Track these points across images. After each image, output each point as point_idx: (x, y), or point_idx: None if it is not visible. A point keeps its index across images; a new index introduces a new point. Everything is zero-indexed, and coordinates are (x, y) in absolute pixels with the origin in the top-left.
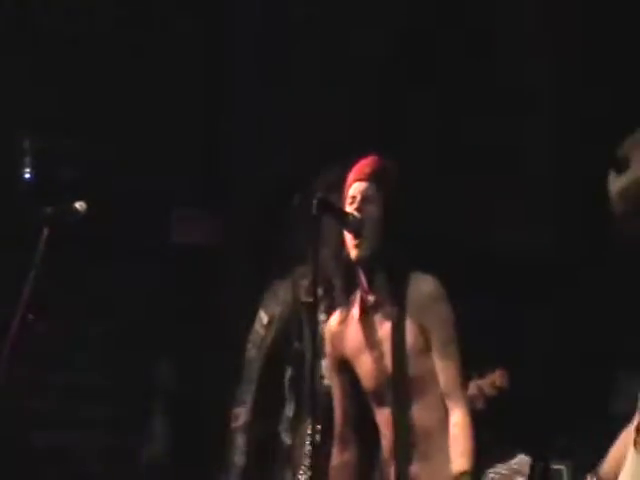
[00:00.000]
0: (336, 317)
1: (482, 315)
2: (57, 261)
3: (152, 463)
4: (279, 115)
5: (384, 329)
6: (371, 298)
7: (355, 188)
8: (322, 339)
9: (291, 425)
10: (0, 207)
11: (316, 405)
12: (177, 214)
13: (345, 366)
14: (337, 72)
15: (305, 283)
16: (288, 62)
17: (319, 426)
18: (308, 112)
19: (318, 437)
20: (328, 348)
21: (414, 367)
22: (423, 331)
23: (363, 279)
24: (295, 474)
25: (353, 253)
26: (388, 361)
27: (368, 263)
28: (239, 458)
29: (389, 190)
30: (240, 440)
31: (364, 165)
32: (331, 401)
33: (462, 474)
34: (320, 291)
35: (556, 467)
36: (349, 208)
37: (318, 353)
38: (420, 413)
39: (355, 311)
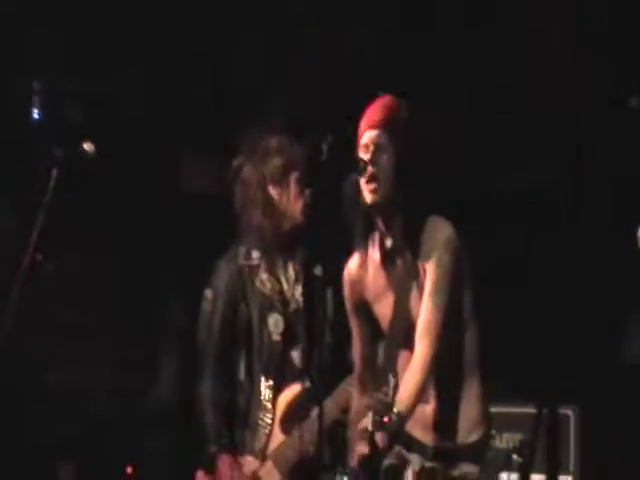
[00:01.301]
0: (355, 261)
1: (487, 260)
2: (65, 201)
3: (158, 408)
4: (282, 62)
5: (403, 272)
6: (389, 242)
7: (367, 136)
8: (267, 298)
9: (243, 387)
10: (9, 147)
11: (268, 361)
12: (184, 160)
13: (364, 310)
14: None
15: (244, 249)
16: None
17: (271, 381)
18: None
19: (271, 391)
20: (347, 292)
21: (417, 312)
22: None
23: (380, 224)
24: (254, 434)
25: (368, 198)
26: (408, 304)
27: (384, 208)
28: (211, 431)
29: (401, 136)
30: (208, 415)
31: (375, 111)
32: (280, 357)
33: (395, 414)
34: (257, 253)
35: (564, 412)
36: (362, 155)
37: (265, 311)
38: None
39: (375, 255)
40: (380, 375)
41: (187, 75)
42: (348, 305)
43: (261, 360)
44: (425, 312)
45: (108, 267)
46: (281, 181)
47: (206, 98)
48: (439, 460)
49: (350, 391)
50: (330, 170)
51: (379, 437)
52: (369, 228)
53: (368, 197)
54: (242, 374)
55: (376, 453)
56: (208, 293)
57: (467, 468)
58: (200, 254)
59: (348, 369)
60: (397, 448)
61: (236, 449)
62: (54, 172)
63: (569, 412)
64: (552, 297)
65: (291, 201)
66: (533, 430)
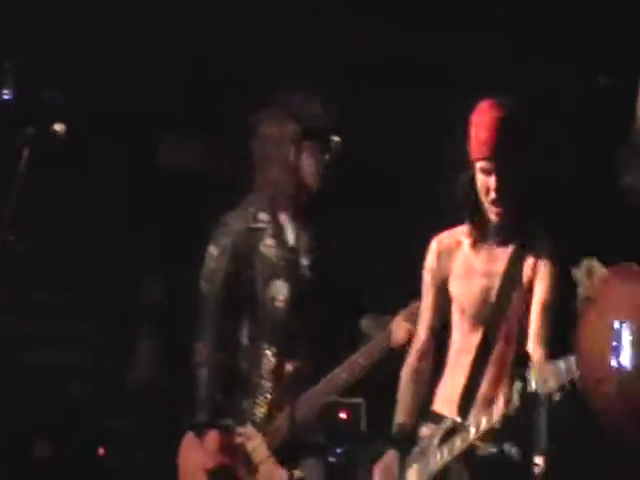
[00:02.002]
0: (451, 235)
1: None
2: (38, 181)
3: (136, 389)
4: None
5: (498, 262)
6: (490, 228)
7: (484, 147)
8: (272, 263)
9: (246, 351)
10: None
11: (271, 328)
12: (162, 136)
13: (443, 283)
14: None
15: (252, 209)
16: None
17: (274, 349)
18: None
19: (274, 359)
20: (432, 261)
21: (510, 310)
22: (531, 282)
23: (490, 214)
24: (252, 400)
25: (491, 211)
26: (494, 293)
27: (506, 201)
28: (202, 391)
29: (514, 151)
30: (202, 373)
31: (490, 117)
32: (285, 322)
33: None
34: (266, 216)
35: None
36: (480, 171)
37: (268, 277)
38: (507, 351)
39: (470, 236)
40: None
41: (167, 51)
42: (429, 274)
43: (264, 326)
44: (543, 322)
45: (86, 246)
46: (298, 145)
47: (186, 73)
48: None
49: (343, 377)
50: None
51: None
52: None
53: (491, 210)
54: (245, 339)
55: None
56: (213, 249)
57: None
58: (180, 232)
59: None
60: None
61: (227, 427)
62: (25, 151)
63: None
64: None
65: (306, 166)
66: None
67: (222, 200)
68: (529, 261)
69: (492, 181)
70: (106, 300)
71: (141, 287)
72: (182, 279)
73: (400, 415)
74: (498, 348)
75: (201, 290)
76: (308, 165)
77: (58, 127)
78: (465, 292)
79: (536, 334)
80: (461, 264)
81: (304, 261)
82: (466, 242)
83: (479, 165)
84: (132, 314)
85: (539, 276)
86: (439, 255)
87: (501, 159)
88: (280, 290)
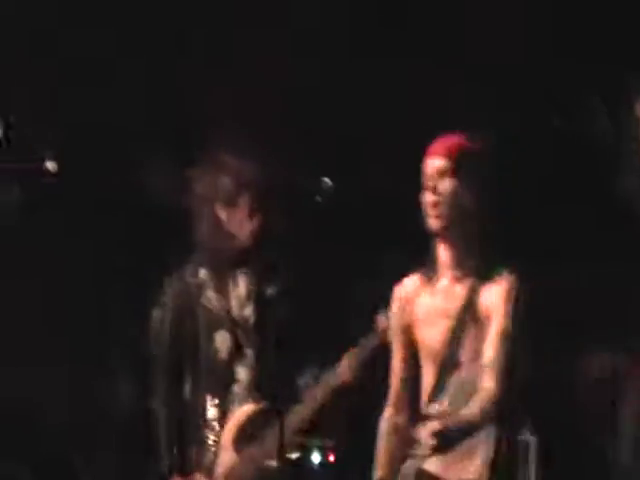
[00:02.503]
0: (411, 282)
1: None
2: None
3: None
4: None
5: (459, 301)
6: (454, 270)
7: (429, 165)
8: (214, 315)
9: (189, 405)
10: None
11: (214, 380)
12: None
13: (409, 330)
14: None
15: (192, 266)
16: None
17: (217, 400)
18: None
19: (217, 410)
20: (396, 312)
21: (469, 340)
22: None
23: (443, 250)
24: (201, 451)
25: (432, 223)
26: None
27: (449, 235)
28: (165, 449)
29: (464, 162)
30: (162, 432)
31: (438, 143)
32: (226, 375)
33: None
34: (205, 271)
35: (523, 438)
36: (426, 189)
37: (212, 329)
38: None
39: (431, 280)
40: (428, 396)
41: (148, 81)
42: (395, 322)
43: (207, 378)
44: (495, 350)
45: (63, 280)
46: (231, 202)
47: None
48: None
49: (305, 412)
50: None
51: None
52: (432, 253)
53: (432, 223)
54: (187, 392)
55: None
56: (156, 312)
57: None
58: (158, 267)
59: (295, 390)
60: None
61: (188, 469)
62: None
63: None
64: None
65: (240, 223)
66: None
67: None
68: (485, 294)
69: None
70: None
71: (114, 318)
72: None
73: (379, 470)
74: None
75: (150, 355)
76: (241, 222)
77: (50, 165)
78: (427, 337)
79: (486, 364)
80: (423, 308)
81: (246, 310)
82: (429, 283)
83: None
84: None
85: (495, 306)
86: (403, 304)
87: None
88: (223, 341)
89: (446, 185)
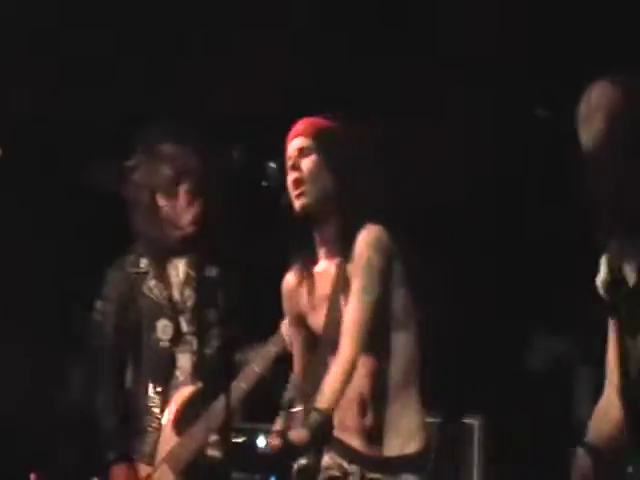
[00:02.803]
0: (292, 274)
1: None
2: None
3: (68, 413)
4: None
5: (331, 281)
6: (322, 253)
7: (290, 147)
8: (155, 304)
9: (130, 393)
10: None
11: (156, 368)
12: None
13: (302, 322)
14: None
15: (133, 257)
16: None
17: (159, 388)
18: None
19: (159, 398)
20: (285, 305)
21: None
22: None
23: (315, 234)
24: (142, 437)
25: (296, 204)
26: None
27: (314, 212)
28: (109, 438)
29: (324, 139)
30: (106, 422)
31: (297, 124)
32: (168, 363)
33: (314, 410)
34: (146, 260)
35: (468, 421)
36: (289, 170)
37: (153, 317)
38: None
39: (311, 266)
40: (316, 382)
41: (91, 71)
42: (287, 317)
43: (149, 366)
44: (350, 311)
45: (17, 270)
46: (170, 191)
47: (109, 96)
48: (380, 472)
49: (242, 387)
50: (241, 179)
51: (295, 434)
52: (305, 240)
53: (296, 203)
54: (129, 381)
55: (290, 450)
56: (98, 303)
57: (408, 479)
58: (103, 258)
59: (235, 371)
60: (338, 460)
61: (131, 458)
62: None
63: (474, 422)
64: (462, 304)
65: (180, 211)
66: (438, 440)
67: None
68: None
69: None
70: (37, 326)
71: (71, 312)
72: None
73: None
74: None
75: (93, 346)
76: (181, 210)
77: None
78: (313, 323)
79: (345, 324)
80: (305, 296)
81: (185, 296)
82: (309, 270)
83: None
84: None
85: (352, 269)
86: (289, 297)
87: None
88: (165, 329)
89: (307, 163)
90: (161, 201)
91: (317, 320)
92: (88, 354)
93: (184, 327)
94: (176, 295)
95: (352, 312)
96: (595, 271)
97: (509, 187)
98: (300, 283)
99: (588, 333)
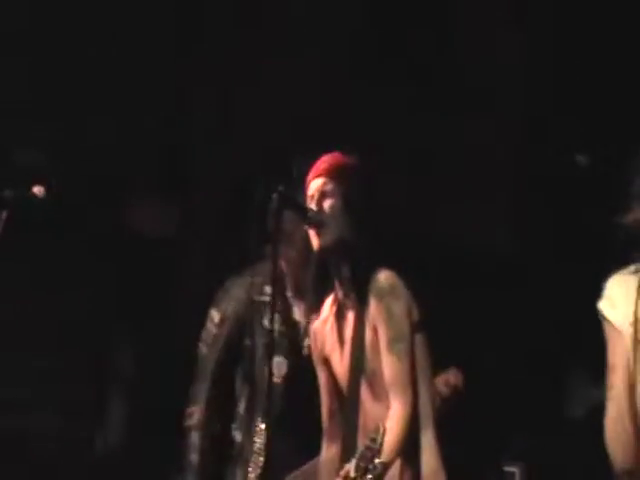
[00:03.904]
0: (316, 316)
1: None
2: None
3: (106, 453)
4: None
5: (351, 326)
6: (340, 295)
7: (312, 186)
8: (275, 337)
9: (242, 423)
10: None
11: (268, 403)
12: (131, 202)
13: (327, 363)
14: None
15: (259, 281)
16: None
17: (267, 424)
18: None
19: (266, 435)
20: (312, 346)
21: (372, 363)
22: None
23: (334, 275)
24: (245, 472)
25: (315, 243)
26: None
27: (331, 254)
28: (194, 456)
29: (347, 183)
30: (194, 438)
31: (320, 162)
32: (278, 401)
33: (380, 463)
34: (269, 289)
35: (508, 469)
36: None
37: (270, 351)
38: (378, 412)
39: (333, 308)
40: (346, 426)
41: (136, 116)
42: (314, 358)
43: (260, 400)
44: (389, 366)
45: (54, 309)
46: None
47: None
48: None
49: None
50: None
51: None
52: (324, 282)
53: (315, 243)
54: (242, 408)
55: None
56: (215, 314)
57: None
58: (147, 299)
59: None
60: None
61: None
62: (3, 214)
63: (515, 470)
64: (497, 351)
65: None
66: None
67: (188, 266)
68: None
69: None
70: (75, 364)
71: (109, 351)
72: (150, 344)
73: None
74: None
75: (199, 353)
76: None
77: (37, 190)
78: (336, 366)
79: (389, 381)
80: (329, 338)
81: (306, 339)
82: (331, 312)
83: None
84: (101, 378)
85: (375, 318)
86: (314, 338)
87: None
88: (279, 367)
89: (329, 204)
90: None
91: (340, 366)
92: (194, 367)
93: (297, 368)
94: (295, 336)
95: (391, 367)
96: None
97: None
98: (324, 325)
99: None
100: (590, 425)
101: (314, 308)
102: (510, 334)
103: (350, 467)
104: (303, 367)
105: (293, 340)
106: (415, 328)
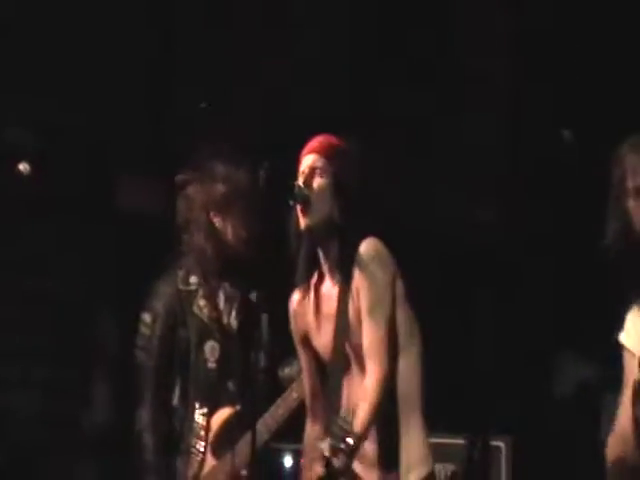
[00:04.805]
0: (297, 294)
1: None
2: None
3: (93, 431)
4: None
5: (334, 301)
6: (325, 272)
7: (303, 162)
8: (204, 324)
9: (177, 412)
10: None
11: (202, 389)
12: (120, 177)
13: (307, 342)
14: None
15: (183, 272)
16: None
17: (205, 409)
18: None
19: (205, 419)
20: (292, 325)
21: (356, 336)
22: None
23: (320, 252)
24: (188, 460)
25: (302, 223)
26: (347, 329)
27: (318, 232)
28: (149, 457)
29: (339, 162)
30: (147, 439)
31: (314, 140)
32: (215, 385)
33: (352, 434)
34: (196, 279)
35: (495, 443)
36: (299, 182)
37: (202, 338)
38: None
39: (314, 285)
40: (328, 403)
41: (124, 93)
42: (295, 338)
43: (196, 386)
44: (367, 332)
45: (40, 289)
46: (224, 209)
47: (145, 116)
48: None
49: (280, 413)
50: (268, 197)
51: (339, 461)
52: (311, 259)
53: (302, 222)
54: (176, 399)
55: (333, 475)
56: (146, 316)
57: None
58: (136, 276)
59: (279, 393)
60: None
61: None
62: None
63: (501, 444)
64: (487, 328)
65: (234, 231)
66: (464, 461)
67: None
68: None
69: None
70: (60, 343)
71: (95, 329)
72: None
73: None
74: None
75: (137, 359)
76: (234, 229)
77: (22, 167)
78: (319, 344)
79: (366, 346)
80: (310, 316)
81: (233, 321)
82: (313, 290)
83: None
84: (87, 356)
85: (358, 285)
86: (294, 318)
87: None
88: (212, 351)
89: (318, 183)
90: (215, 219)
91: (322, 340)
92: (133, 368)
93: (231, 350)
94: (225, 316)
95: (369, 333)
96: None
97: (536, 209)
98: (305, 302)
99: (615, 358)
100: (577, 400)
101: (302, 286)
102: (499, 311)
103: (324, 447)
104: (233, 349)
105: (222, 324)
106: (400, 298)
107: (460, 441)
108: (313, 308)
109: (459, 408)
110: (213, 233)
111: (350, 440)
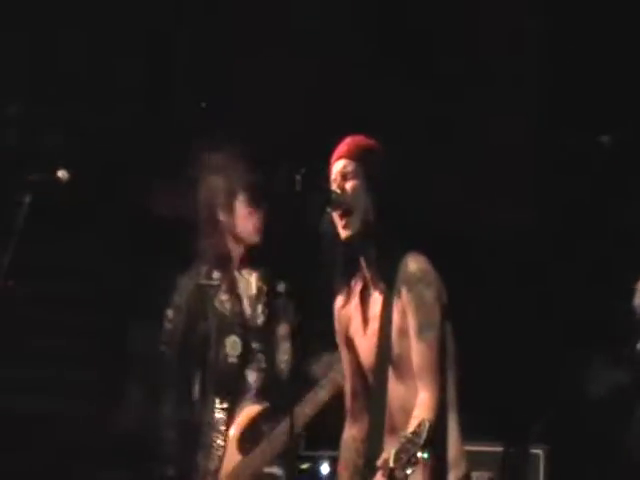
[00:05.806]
0: (340, 298)
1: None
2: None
3: (126, 432)
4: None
5: (377, 307)
6: (367, 276)
7: (334, 169)
8: (226, 319)
9: (198, 405)
10: None
11: (222, 383)
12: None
13: (350, 344)
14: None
15: (205, 268)
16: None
17: (225, 404)
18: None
19: (225, 414)
20: (336, 327)
21: (398, 347)
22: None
23: (361, 259)
24: (209, 454)
25: (342, 234)
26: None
27: (358, 241)
28: (172, 451)
29: (369, 163)
30: (171, 434)
31: (342, 145)
32: (235, 379)
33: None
34: (218, 273)
35: (533, 451)
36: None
37: (223, 333)
38: (401, 393)
39: (358, 289)
40: (370, 407)
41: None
42: (338, 339)
43: (216, 381)
44: (418, 353)
45: (77, 294)
46: (228, 204)
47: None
48: None
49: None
50: (303, 201)
51: (399, 472)
52: (351, 264)
53: (342, 233)
54: (196, 393)
55: None
56: (169, 312)
57: None
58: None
59: (305, 386)
60: None
61: (195, 473)
62: (27, 198)
63: (539, 452)
64: (524, 335)
65: (240, 223)
66: (502, 469)
67: None
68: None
69: None
70: (96, 347)
71: (129, 334)
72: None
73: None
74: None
75: (162, 354)
76: (243, 221)
77: (61, 174)
78: (361, 348)
79: (416, 368)
80: (355, 320)
81: (258, 310)
82: (356, 294)
83: None
84: (121, 362)
85: (406, 304)
86: (338, 320)
87: None
88: (234, 346)
89: (351, 186)
90: (221, 215)
91: (363, 346)
92: (155, 363)
93: (253, 344)
94: (248, 311)
95: (419, 353)
96: None
97: (567, 213)
98: (348, 306)
99: None
100: (615, 408)
101: (342, 291)
102: (534, 316)
103: (390, 457)
104: (255, 342)
105: (244, 318)
106: (445, 314)
107: (498, 449)
108: (357, 313)
109: (497, 415)
110: (220, 230)
111: (420, 454)
